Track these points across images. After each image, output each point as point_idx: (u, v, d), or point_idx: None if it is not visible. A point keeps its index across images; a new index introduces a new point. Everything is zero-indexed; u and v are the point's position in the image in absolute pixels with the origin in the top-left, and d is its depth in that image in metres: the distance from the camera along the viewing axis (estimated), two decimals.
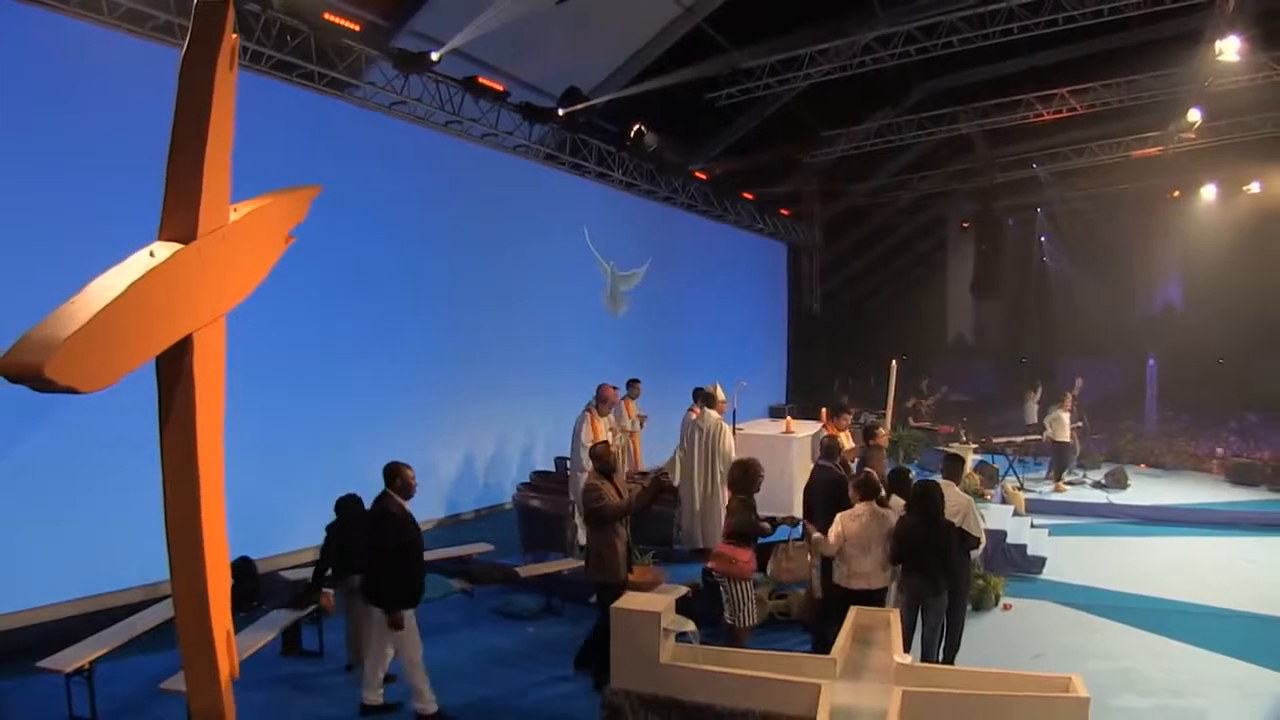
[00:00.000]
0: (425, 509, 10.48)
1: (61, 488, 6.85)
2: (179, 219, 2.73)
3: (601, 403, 9.38)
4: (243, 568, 7.40)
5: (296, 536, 8.75)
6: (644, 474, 6.75)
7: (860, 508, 6.14)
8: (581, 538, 8.94)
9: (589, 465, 9.10)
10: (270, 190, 3.19)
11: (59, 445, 6.77)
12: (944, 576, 5.88)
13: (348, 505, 6.57)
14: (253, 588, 7.52)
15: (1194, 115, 14.05)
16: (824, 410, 13.29)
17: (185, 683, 3.04)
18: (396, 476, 5.72)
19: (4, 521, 6.48)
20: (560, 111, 11.48)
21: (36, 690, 5.49)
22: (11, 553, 6.48)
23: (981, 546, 6.76)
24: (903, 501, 6.36)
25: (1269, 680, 6.43)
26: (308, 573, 7.50)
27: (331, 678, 6.46)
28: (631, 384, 10.57)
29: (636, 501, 6.41)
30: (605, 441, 7.40)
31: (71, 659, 5.29)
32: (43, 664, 5.26)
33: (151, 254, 2.60)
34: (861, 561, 6.04)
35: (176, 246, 2.67)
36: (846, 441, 8.36)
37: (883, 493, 6.38)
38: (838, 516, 6.20)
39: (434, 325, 10.68)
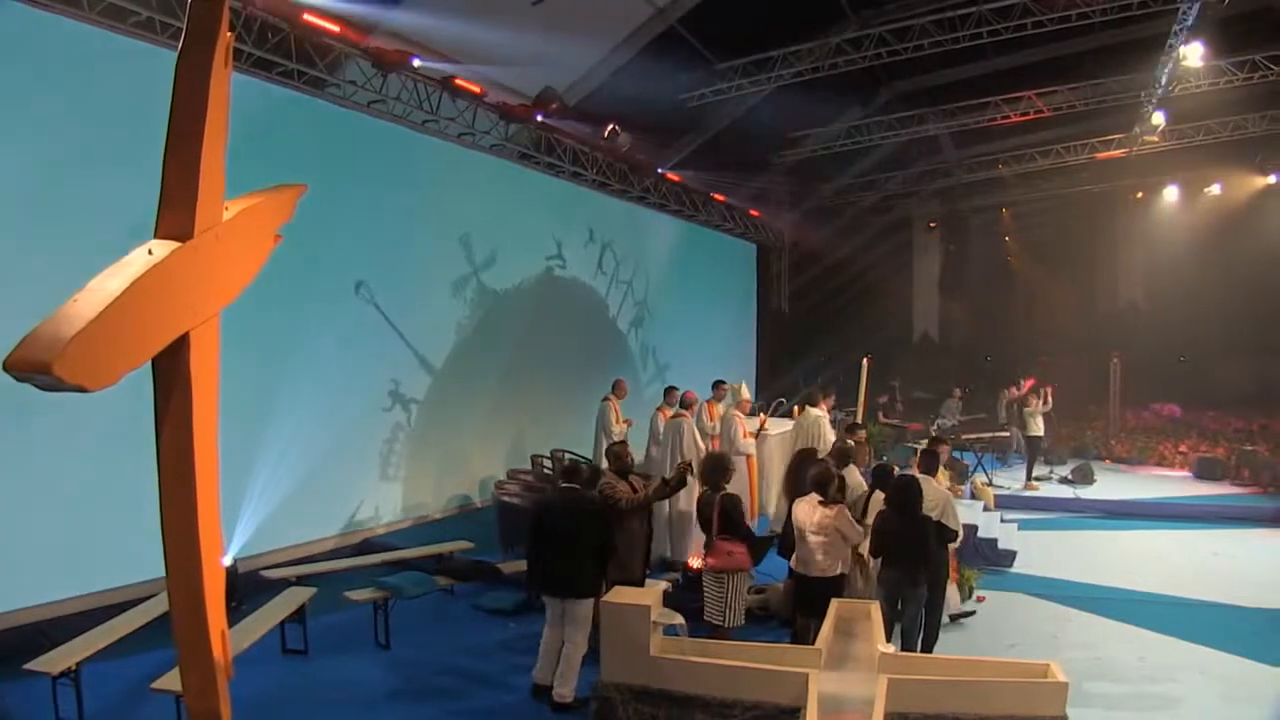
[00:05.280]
0: (398, 509, 10.49)
1: (44, 488, 6.75)
2: (176, 217, 2.70)
3: (688, 406, 9.45)
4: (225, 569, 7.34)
5: (275, 536, 8.71)
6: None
7: (811, 497, 6.30)
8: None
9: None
10: (253, 188, 3.18)
11: (41, 445, 6.67)
12: (922, 569, 5.99)
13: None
14: (231, 588, 7.45)
15: (1158, 118, 14.36)
16: (794, 409, 13.48)
17: (181, 684, 3.03)
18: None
19: None
20: (539, 117, 11.51)
21: (23, 693, 5.41)
22: None
23: (960, 540, 6.89)
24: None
25: (1236, 665, 6.65)
26: (293, 571, 7.49)
27: (322, 676, 6.41)
28: (716, 385, 10.42)
29: (653, 495, 6.50)
30: (623, 442, 7.53)
31: (59, 661, 5.22)
32: (30, 666, 5.19)
33: (150, 251, 2.59)
34: (802, 547, 6.22)
35: (174, 244, 2.66)
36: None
37: (832, 490, 6.45)
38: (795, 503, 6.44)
39: (406, 326, 10.62)
